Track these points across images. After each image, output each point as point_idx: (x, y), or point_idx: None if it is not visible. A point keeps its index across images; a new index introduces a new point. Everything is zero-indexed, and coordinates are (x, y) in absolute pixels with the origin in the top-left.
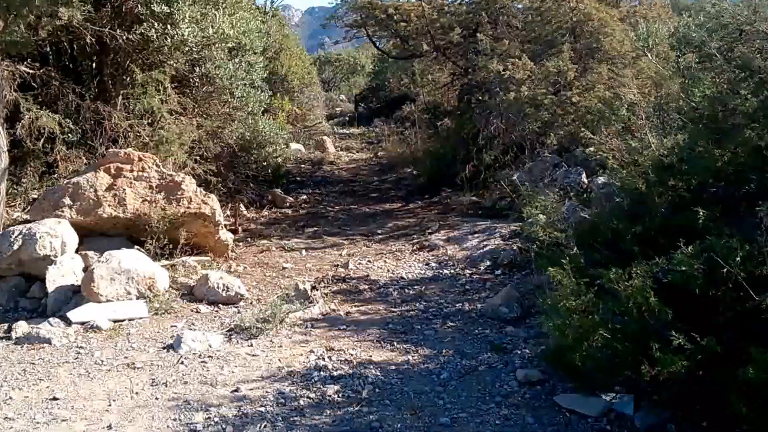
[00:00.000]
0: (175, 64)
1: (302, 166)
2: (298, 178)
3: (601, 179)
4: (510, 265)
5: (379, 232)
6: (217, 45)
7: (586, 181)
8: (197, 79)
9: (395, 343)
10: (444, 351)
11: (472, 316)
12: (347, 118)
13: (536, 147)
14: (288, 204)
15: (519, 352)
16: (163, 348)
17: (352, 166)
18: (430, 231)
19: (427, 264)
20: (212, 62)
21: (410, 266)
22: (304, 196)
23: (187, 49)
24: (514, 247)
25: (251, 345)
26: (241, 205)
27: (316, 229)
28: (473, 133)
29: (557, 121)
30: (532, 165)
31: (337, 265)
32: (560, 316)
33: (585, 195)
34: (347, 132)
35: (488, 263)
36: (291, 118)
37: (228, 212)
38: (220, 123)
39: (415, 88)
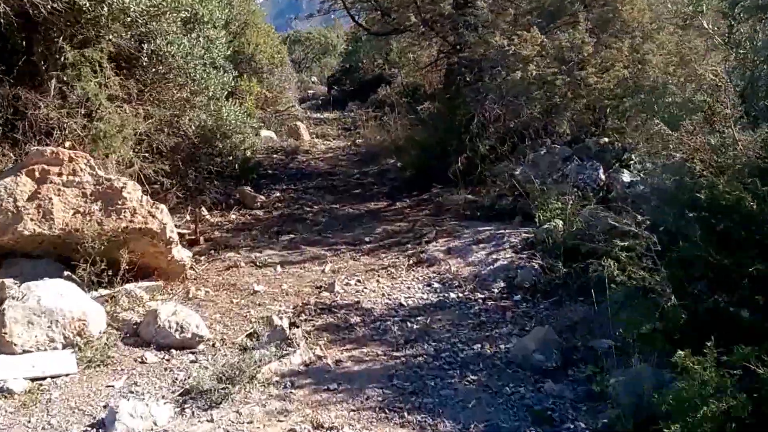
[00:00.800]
0: (114, 39)
1: (274, 156)
2: (270, 171)
3: (625, 176)
4: (532, 290)
5: (367, 240)
6: (167, 15)
7: (603, 177)
8: (146, 58)
9: (405, 413)
10: (472, 426)
11: (498, 363)
12: (320, 101)
13: (540, 136)
14: (259, 204)
15: (571, 426)
16: (91, 426)
17: (329, 156)
18: (426, 239)
19: (429, 284)
20: (163, 37)
21: (409, 288)
22: (278, 194)
23: (129, 20)
24: (534, 265)
25: (211, 419)
26: (204, 208)
27: (292, 236)
28: (465, 119)
29: (568, 105)
30: (536, 157)
31: (320, 286)
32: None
33: (606, 195)
34: (322, 117)
35: (502, 284)
36: (260, 102)
37: (188, 217)
38: (175, 110)
39: (390, 69)
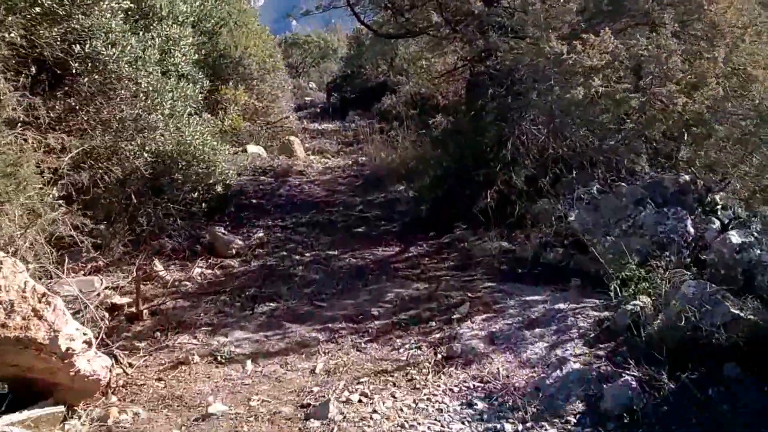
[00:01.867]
0: (11, 38)
1: (262, 178)
2: (253, 201)
3: (734, 237)
4: (630, 419)
5: (375, 313)
6: (103, 5)
7: (692, 230)
8: (77, 65)
9: None
10: None
11: None
12: (318, 110)
13: (598, 168)
14: (234, 251)
15: None
16: None
17: (327, 178)
18: (456, 316)
19: (470, 403)
20: (102, 36)
21: (440, 409)
22: (261, 233)
23: (39, 11)
24: (628, 378)
25: None
26: (158, 260)
27: (274, 305)
28: (495, 142)
29: (644, 132)
30: (596, 197)
31: (307, 405)
32: None
33: (698, 255)
34: (319, 128)
35: (580, 406)
36: (249, 113)
37: (133, 275)
38: (122, 134)
39: (396, 76)
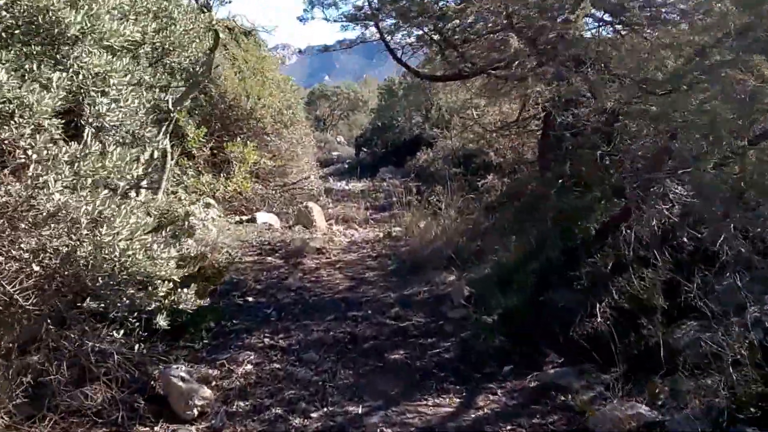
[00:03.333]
0: None
1: (269, 260)
2: (250, 298)
3: None
4: None
5: None
6: None
7: None
8: None
9: None
10: None
11: None
12: (346, 166)
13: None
14: (197, 409)
15: None
16: None
17: (351, 258)
18: None
19: None
20: None
21: None
22: (249, 365)
23: None
24: None
25: None
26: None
27: None
28: (603, 228)
29: None
30: None
31: None
32: None
33: None
34: (346, 188)
35: None
36: (263, 174)
37: None
38: None
39: (432, 129)
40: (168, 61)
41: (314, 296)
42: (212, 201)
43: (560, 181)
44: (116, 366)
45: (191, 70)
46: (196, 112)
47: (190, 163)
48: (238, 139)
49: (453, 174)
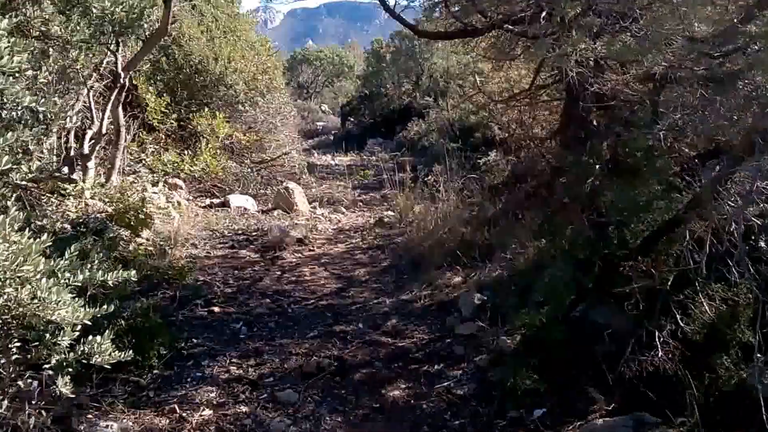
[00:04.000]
0: None
1: (242, 254)
2: (216, 309)
3: None
4: None
5: None
6: None
7: None
8: None
9: None
10: None
11: None
12: (332, 137)
13: None
14: None
15: None
16: None
17: (338, 251)
18: None
19: None
20: None
21: None
22: (207, 411)
23: None
24: None
25: None
26: None
27: None
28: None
29: None
30: None
31: None
32: None
33: None
34: (332, 162)
35: None
36: (236, 150)
37: None
38: None
39: (423, 97)
40: (93, 5)
41: (294, 303)
42: (180, 182)
43: (597, 166)
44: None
45: (127, 21)
46: (158, 78)
47: (151, 138)
48: (206, 109)
49: (450, 150)
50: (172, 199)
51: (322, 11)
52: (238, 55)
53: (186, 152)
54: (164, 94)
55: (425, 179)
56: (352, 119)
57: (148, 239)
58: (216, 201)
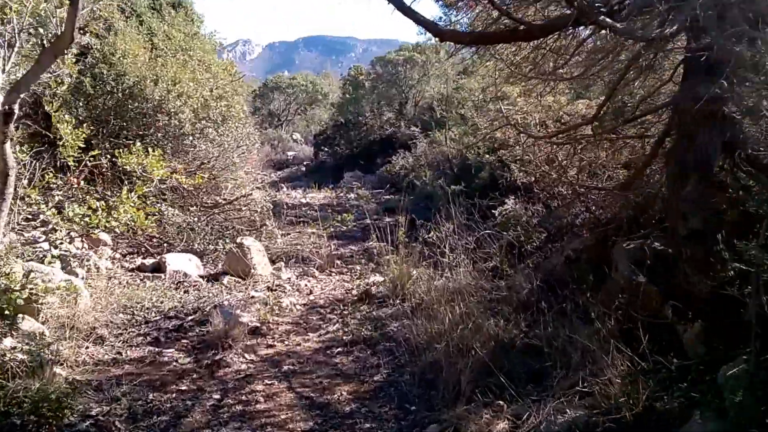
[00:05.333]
0: None
1: (166, 357)
2: None
3: None
4: None
5: None
6: None
7: None
8: None
9: None
10: None
11: None
12: (303, 169)
13: None
14: None
15: None
16: None
17: (309, 350)
18: None
19: None
20: None
21: None
22: None
23: None
24: None
25: None
26: None
27: None
28: None
29: None
30: None
31: None
32: None
33: None
34: (302, 200)
35: None
36: (184, 192)
37: None
38: None
39: (410, 128)
40: None
41: None
42: (106, 236)
43: None
44: None
45: None
46: (80, 103)
47: (62, 182)
48: (138, 144)
49: (449, 193)
50: (89, 262)
51: (299, 44)
52: (186, 76)
53: (114, 199)
54: (84, 123)
55: (421, 232)
56: (326, 149)
57: (28, 334)
58: (149, 262)
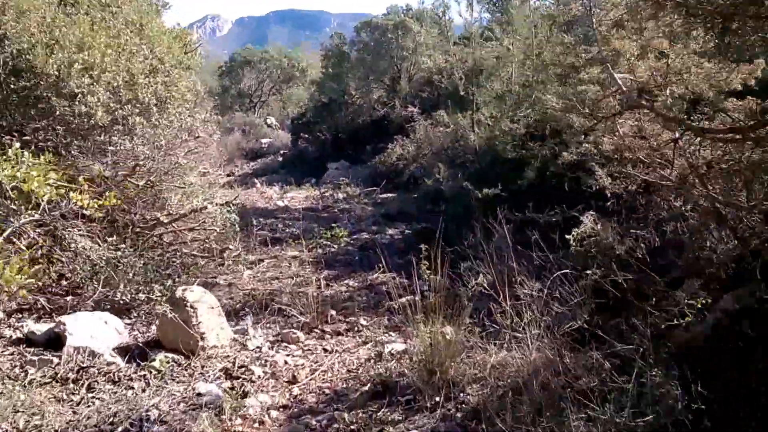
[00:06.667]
0: None
1: None
2: None
3: None
4: None
5: None
6: None
7: None
8: None
9: None
10: None
11: None
12: (280, 159)
13: None
14: None
15: None
16: None
17: None
18: None
19: None
20: None
21: None
22: None
23: None
24: None
25: None
26: None
27: None
28: None
29: None
30: None
31: None
32: None
33: None
34: (279, 203)
35: None
36: (107, 210)
37: None
38: None
39: (406, 108)
40: None
41: None
42: None
43: None
44: None
45: None
46: None
47: None
48: (15, 145)
49: (478, 197)
50: None
51: (270, 18)
52: (100, 41)
53: None
54: None
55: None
56: (306, 135)
57: None
58: (43, 329)
